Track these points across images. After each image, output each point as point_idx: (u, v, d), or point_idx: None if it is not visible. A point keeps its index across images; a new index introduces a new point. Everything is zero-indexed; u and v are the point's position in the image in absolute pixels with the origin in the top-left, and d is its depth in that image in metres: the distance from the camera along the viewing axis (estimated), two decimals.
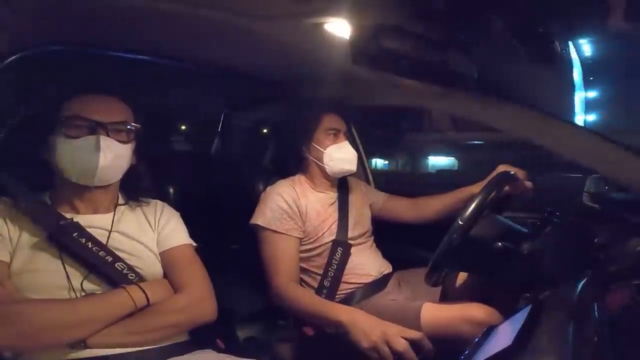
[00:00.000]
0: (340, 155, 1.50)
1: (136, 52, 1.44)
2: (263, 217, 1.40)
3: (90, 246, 0.95)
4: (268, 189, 1.48)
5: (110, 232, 1.01)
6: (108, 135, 0.98)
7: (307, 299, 1.29)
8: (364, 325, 1.12)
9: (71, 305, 0.89)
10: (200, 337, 1.03)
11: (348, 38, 1.07)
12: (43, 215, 0.97)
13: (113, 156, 0.99)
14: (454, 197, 1.55)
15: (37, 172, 1.02)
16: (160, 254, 1.07)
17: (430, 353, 1.06)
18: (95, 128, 0.98)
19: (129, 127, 1.03)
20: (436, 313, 1.22)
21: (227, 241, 1.41)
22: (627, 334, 0.61)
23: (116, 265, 0.97)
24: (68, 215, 0.99)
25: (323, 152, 1.50)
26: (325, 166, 1.51)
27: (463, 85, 1.18)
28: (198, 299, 1.02)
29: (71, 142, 0.97)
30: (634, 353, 0.58)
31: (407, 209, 1.66)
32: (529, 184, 1.35)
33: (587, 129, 1.02)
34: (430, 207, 1.61)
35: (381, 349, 1.07)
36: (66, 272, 0.92)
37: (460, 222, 1.10)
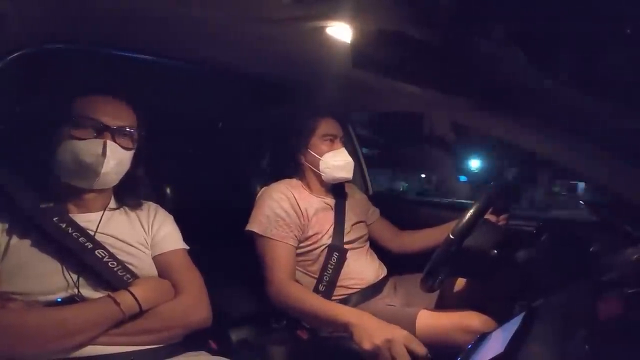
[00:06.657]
0: (336, 163, 1.48)
1: (137, 52, 1.45)
2: (259, 224, 1.38)
3: (81, 240, 0.93)
4: (263, 190, 1.47)
5: (95, 232, 0.98)
6: (114, 140, 0.97)
7: (310, 298, 1.26)
8: (371, 327, 1.09)
9: (56, 315, 0.85)
10: (193, 338, 1.03)
11: (349, 42, 1.07)
12: (32, 214, 0.93)
13: (116, 162, 0.98)
14: (439, 234, 1.45)
15: (26, 171, 0.99)
16: (154, 258, 1.05)
17: None
18: (102, 131, 0.96)
19: (133, 132, 1.02)
20: (431, 321, 1.21)
21: (222, 242, 1.40)
22: (619, 342, 0.61)
23: (108, 262, 0.95)
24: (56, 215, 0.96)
25: (319, 159, 1.48)
26: (321, 173, 1.49)
27: (464, 92, 1.18)
28: (193, 305, 1.01)
29: (76, 144, 0.95)
30: None
31: (390, 238, 1.67)
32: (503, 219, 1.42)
33: (584, 137, 1.02)
34: (412, 242, 1.63)
35: (382, 353, 1.04)
36: (63, 269, 0.91)
37: (457, 230, 1.10)
